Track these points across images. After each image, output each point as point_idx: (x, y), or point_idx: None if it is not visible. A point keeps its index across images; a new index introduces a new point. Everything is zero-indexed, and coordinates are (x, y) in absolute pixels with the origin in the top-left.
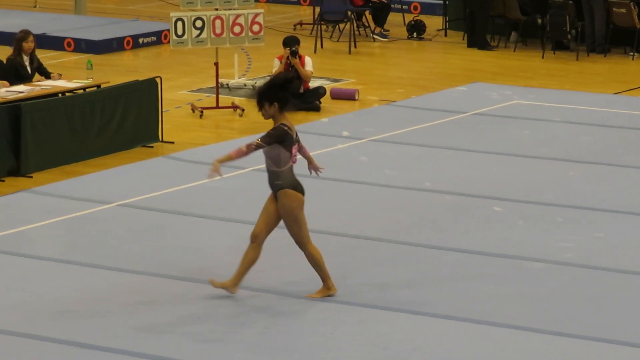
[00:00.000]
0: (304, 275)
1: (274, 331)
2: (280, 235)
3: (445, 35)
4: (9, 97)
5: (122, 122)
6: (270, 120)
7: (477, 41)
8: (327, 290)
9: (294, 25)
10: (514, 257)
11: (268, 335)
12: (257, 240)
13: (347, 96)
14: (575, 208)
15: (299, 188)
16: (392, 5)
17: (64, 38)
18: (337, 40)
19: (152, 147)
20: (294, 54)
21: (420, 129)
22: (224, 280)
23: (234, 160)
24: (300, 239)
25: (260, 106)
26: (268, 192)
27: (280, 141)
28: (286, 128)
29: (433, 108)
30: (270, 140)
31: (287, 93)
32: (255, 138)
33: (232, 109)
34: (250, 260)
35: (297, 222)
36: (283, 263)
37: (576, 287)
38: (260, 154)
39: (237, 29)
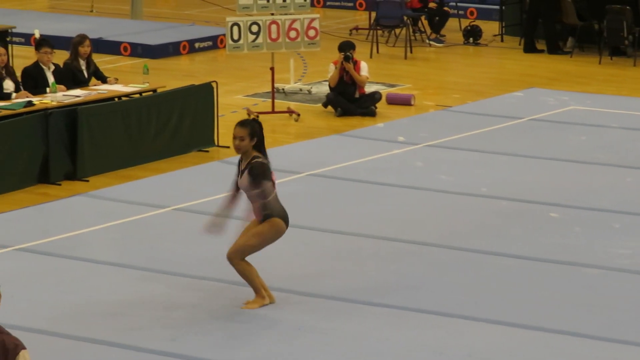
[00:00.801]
0: (361, 281)
1: (330, 336)
2: (337, 240)
3: (502, 40)
4: (65, 101)
5: (177, 126)
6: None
7: (547, 46)
8: (262, 300)
9: (350, 30)
10: (570, 263)
11: (324, 340)
12: (232, 262)
13: (403, 101)
14: (632, 214)
15: (285, 219)
16: (450, 11)
17: (121, 42)
18: (393, 46)
19: (207, 151)
20: (348, 59)
21: (476, 134)
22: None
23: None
24: (242, 254)
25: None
26: (322, 196)
27: (265, 176)
28: (263, 160)
29: (489, 113)
30: (259, 182)
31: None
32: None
33: (287, 114)
34: (247, 272)
35: (257, 247)
36: (339, 268)
37: (633, 294)
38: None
39: (293, 33)
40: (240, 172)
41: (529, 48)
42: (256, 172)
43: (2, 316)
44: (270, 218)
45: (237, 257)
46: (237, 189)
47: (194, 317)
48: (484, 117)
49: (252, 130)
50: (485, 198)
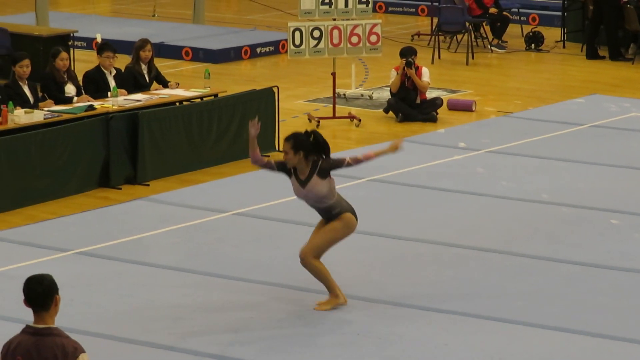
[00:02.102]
0: (420, 286)
1: (389, 341)
2: (397, 245)
3: (564, 46)
4: (126, 106)
5: (239, 131)
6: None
7: (609, 52)
8: (335, 299)
9: (412, 36)
10: (630, 270)
11: (383, 345)
12: (306, 260)
13: (464, 107)
14: None
15: (355, 214)
16: (511, 17)
17: (182, 47)
18: (455, 51)
19: (268, 156)
20: (410, 64)
21: (538, 140)
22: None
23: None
24: (317, 251)
25: (287, 153)
26: (383, 201)
27: (324, 174)
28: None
29: (551, 120)
30: (278, 166)
31: (311, 142)
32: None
33: (349, 119)
34: (322, 272)
35: (331, 243)
36: (398, 274)
37: None
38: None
39: (354, 39)
40: (301, 182)
41: (591, 54)
42: (331, 162)
43: (61, 320)
44: (342, 214)
45: (311, 256)
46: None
47: (252, 321)
48: (545, 124)
49: (295, 143)
50: (545, 204)
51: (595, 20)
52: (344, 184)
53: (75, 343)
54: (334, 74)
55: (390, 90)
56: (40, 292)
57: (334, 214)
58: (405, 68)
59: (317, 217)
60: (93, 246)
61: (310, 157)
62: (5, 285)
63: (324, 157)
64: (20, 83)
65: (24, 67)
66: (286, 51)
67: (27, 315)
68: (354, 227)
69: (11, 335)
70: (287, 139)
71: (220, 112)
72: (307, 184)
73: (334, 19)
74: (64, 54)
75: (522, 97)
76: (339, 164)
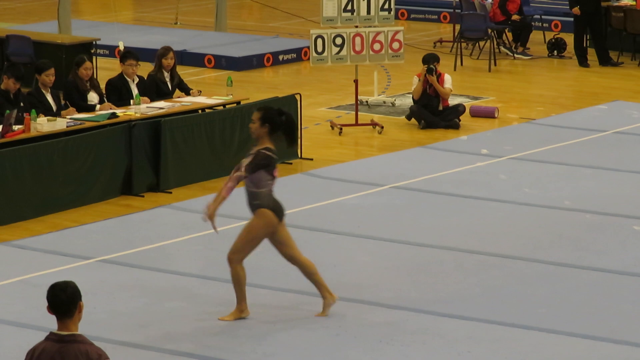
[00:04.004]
0: (443, 293)
1: (411, 348)
2: (420, 252)
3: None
4: (149, 113)
5: None
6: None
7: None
8: (239, 312)
9: (434, 43)
10: None
11: (406, 351)
12: (230, 265)
13: (486, 114)
14: None
15: (278, 210)
16: (533, 24)
17: (205, 55)
18: (477, 58)
19: (291, 163)
20: (431, 71)
21: (560, 147)
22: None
23: (227, 198)
24: (239, 254)
25: (253, 122)
26: (406, 208)
27: (264, 166)
28: (269, 153)
29: (573, 126)
30: (254, 168)
31: (282, 121)
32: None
33: (371, 126)
34: (240, 280)
35: (252, 242)
36: (421, 281)
37: None
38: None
39: (377, 46)
40: (248, 154)
41: (603, 60)
42: (256, 161)
43: (84, 327)
44: (259, 209)
45: (235, 261)
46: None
47: (274, 328)
48: (568, 130)
49: (264, 115)
50: (568, 211)
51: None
52: (366, 191)
53: (99, 350)
54: (356, 81)
55: (412, 97)
56: (64, 299)
57: (254, 204)
58: (427, 75)
59: (341, 226)
60: (115, 254)
61: (274, 134)
62: (29, 293)
63: (267, 151)
64: (44, 91)
65: (50, 76)
66: (308, 58)
67: (50, 323)
68: (272, 224)
69: (35, 343)
70: (259, 109)
71: (243, 119)
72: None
73: (356, 26)
74: (88, 64)
75: (544, 103)
76: (246, 167)
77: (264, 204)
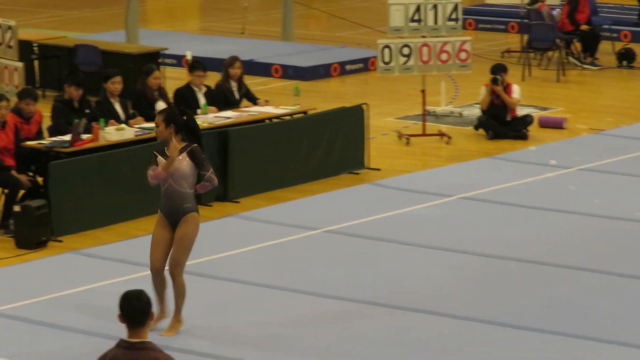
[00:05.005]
0: (509, 304)
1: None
2: (486, 263)
3: None
4: (216, 123)
5: (328, 148)
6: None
7: None
8: (177, 323)
9: (502, 53)
10: None
11: None
12: (177, 280)
13: (555, 124)
14: None
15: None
16: (601, 34)
17: (272, 64)
18: (545, 68)
19: (358, 173)
20: (496, 81)
21: (630, 158)
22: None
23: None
24: (181, 267)
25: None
26: (474, 219)
27: (193, 158)
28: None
29: None
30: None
31: (184, 120)
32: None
33: (439, 137)
34: (184, 291)
35: (189, 249)
36: (487, 291)
37: None
38: None
39: (444, 56)
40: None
41: None
42: (202, 156)
43: (153, 335)
44: (191, 213)
45: (180, 272)
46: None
47: (342, 339)
48: (638, 141)
49: (167, 116)
50: (638, 222)
51: None
52: (434, 202)
53: (169, 357)
54: (423, 91)
55: (480, 108)
56: (140, 308)
57: (185, 208)
58: (492, 85)
59: (408, 236)
60: None
61: (180, 134)
62: (97, 301)
63: (198, 144)
64: (112, 100)
65: (116, 84)
66: (375, 68)
67: (119, 331)
68: (198, 226)
69: (104, 350)
70: (159, 113)
71: (310, 129)
72: (177, 161)
73: (424, 36)
74: (157, 73)
75: (613, 114)
76: (203, 166)
77: (194, 207)
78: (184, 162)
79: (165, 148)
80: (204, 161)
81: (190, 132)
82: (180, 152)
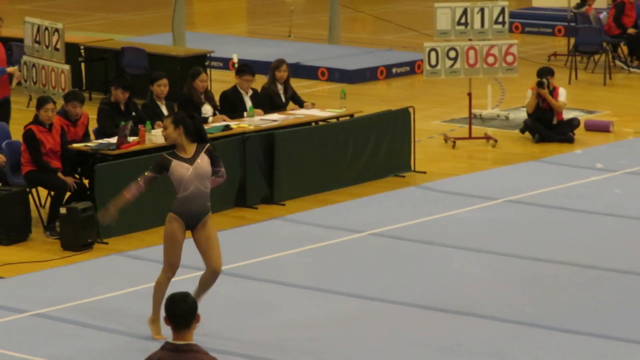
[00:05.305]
0: (556, 307)
1: None
2: (533, 266)
3: None
4: (263, 126)
5: (374, 151)
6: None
7: None
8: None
9: (549, 56)
10: None
11: None
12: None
13: (601, 128)
14: None
15: None
16: None
17: (318, 67)
18: (592, 72)
19: (404, 176)
20: (542, 85)
21: None
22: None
23: (130, 199)
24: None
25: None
26: (520, 222)
27: (211, 156)
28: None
29: None
30: (157, 168)
31: (192, 122)
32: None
33: (485, 140)
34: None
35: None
36: (534, 295)
37: None
38: None
39: (490, 59)
40: (188, 160)
41: None
42: (217, 153)
43: (199, 337)
44: (210, 211)
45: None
46: (149, 183)
47: (387, 341)
48: None
49: (176, 118)
50: None
51: None
52: (480, 205)
53: (213, 359)
54: (470, 94)
55: (526, 111)
56: (186, 310)
57: (207, 207)
58: (538, 88)
59: (454, 239)
60: (229, 265)
61: (189, 135)
62: (142, 303)
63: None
64: (158, 103)
65: (162, 86)
66: (422, 71)
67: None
68: None
69: (149, 353)
70: (168, 116)
71: (356, 132)
72: (195, 161)
73: (470, 39)
74: (203, 76)
75: None
76: (218, 163)
77: (209, 207)
78: (205, 162)
79: (175, 150)
80: (219, 158)
81: (197, 134)
82: (198, 152)
